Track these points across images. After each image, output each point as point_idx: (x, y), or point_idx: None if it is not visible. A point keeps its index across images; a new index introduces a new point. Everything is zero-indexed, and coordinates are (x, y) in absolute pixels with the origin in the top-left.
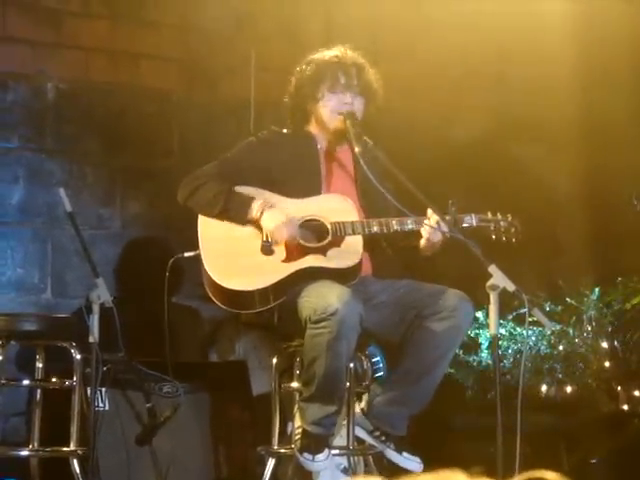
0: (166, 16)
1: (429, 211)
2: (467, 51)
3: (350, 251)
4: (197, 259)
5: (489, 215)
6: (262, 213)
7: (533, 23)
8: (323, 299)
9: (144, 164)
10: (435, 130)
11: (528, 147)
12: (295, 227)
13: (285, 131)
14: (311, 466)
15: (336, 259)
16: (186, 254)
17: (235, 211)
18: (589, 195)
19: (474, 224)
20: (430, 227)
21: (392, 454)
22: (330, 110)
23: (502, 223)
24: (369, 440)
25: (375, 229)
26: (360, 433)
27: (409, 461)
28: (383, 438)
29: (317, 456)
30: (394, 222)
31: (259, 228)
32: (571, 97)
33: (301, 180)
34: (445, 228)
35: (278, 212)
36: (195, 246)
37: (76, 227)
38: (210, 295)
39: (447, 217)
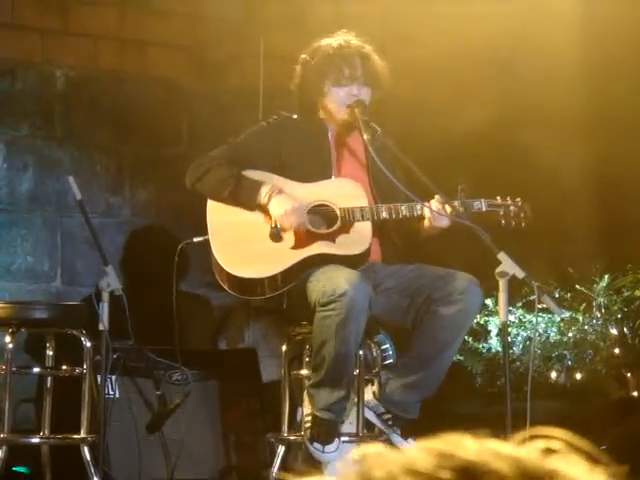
0: (174, 4)
1: (437, 197)
2: (474, 38)
3: (359, 237)
4: (206, 245)
5: (498, 200)
6: (270, 199)
7: (541, 10)
8: (332, 281)
9: (153, 152)
10: (442, 118)
11: (536, 134)
12: (303, 214)
13: (295, 116)
14: (321, 457)
15: (345, 245)
16: (195, 239)
17: (243, 196)
18: (598, 182)
19: (483, 209)
20: (437, 212)
21: (398, 440)
22: (337, 104)
23: (512, 208)
24: (377, 423)
25: (384, 215)
26: (369, 416)
27: None
28: (391, 422)
29: (327, 447)
30: (403, 208)
31: (268, 214)
32: (580, 84)
33: (311, 164)
34: (454, 214)
35: (286, 198)
36: (204, 234)
37: (86, 215)
38: (219, 281)
39: (456, 202)
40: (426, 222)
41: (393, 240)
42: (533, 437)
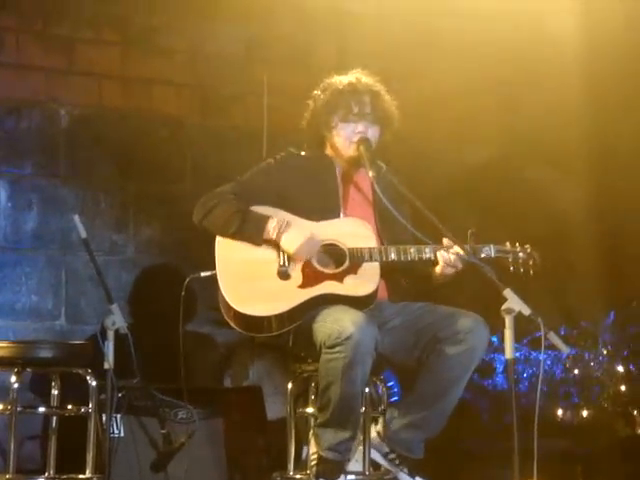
0: (178, 42)
1: (446, 240)
2: (478, 74)
3: (367, 278)
4: (212, 281)
5: (508, 246)
6: (279, 233)
7: (545, 45)
8: (338, 324)
9: (157, 190)
10: (446, 153)
11: (540, 170)
12: (316, 246)
13: (303, 153)
14: None
15: (353, 286)
16: (202, 274)
17: (250, 231)
18: (602, 218)
19: (492, 255)
20: (447, 254)
21: (405, 478)
22: (343, 139)
23: (521, 254)
24: (383, 463)
25: (393, 256)
26: (375, 456)
27: None
28: (397, 462)
29: None
30: (412, 250)
31: (276, 250)
32: (583, 119)
33: (319, 202)
34: (463, 256)
35: (297, 231)
36: (209, 270)
37: (91, 253)
38: (225, 317)
39: (466, 246)
40: (437, 269)
41: (399, 279)
42: None
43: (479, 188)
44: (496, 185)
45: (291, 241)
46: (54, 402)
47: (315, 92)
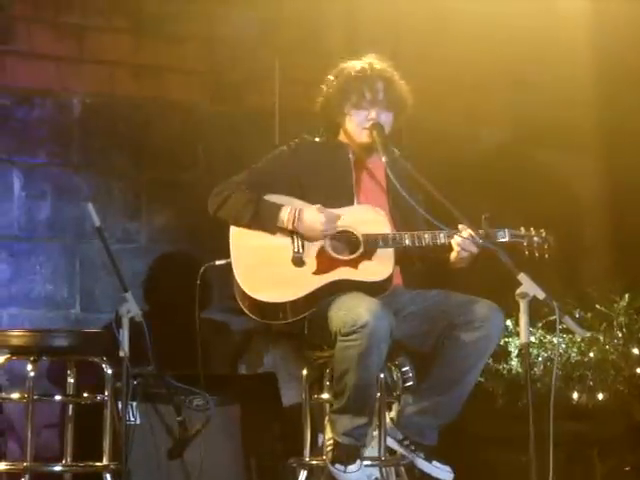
0: (189, 29)
1: (461, 226)
2: (488, 56)
3: (381, 264)
4: (227, 269)
5: (522, 230)
6: (293, 222)
7: (554, 26)
8: (353, 312)
9: (170, 177)
10: (456, 136)
11: (552, 152)
12: (333, 223)
13: (317, 139)
14: (343, 477)
15: (367, 272)
16: (217, 262)
17: (264, 220)
18: (615, 199)
19: (507, 239)
20: (462, 239)
21: (422, 463)
22: (355, 125)
23: (535, 239)
24: (399, 449)
25: (407, 242)
26: (390, 442)
27: (439, 470)
28: (413, 447)
29: (349, 467)
30: (426, 235)
31: (290, 236)
32: (594, 100)
33: (333, 190)
34: (477, 240)
35: (312, 213)
36: (222, 257)
37: (105, 242)
38: (240, 305)
39: (480, 231)
40: (453, 254)
41: (415, 265)
42: None
43: (492, 171)
44: (509, 167)
45: (310, 221)
46: (70, 390)
47: (328, 77)
